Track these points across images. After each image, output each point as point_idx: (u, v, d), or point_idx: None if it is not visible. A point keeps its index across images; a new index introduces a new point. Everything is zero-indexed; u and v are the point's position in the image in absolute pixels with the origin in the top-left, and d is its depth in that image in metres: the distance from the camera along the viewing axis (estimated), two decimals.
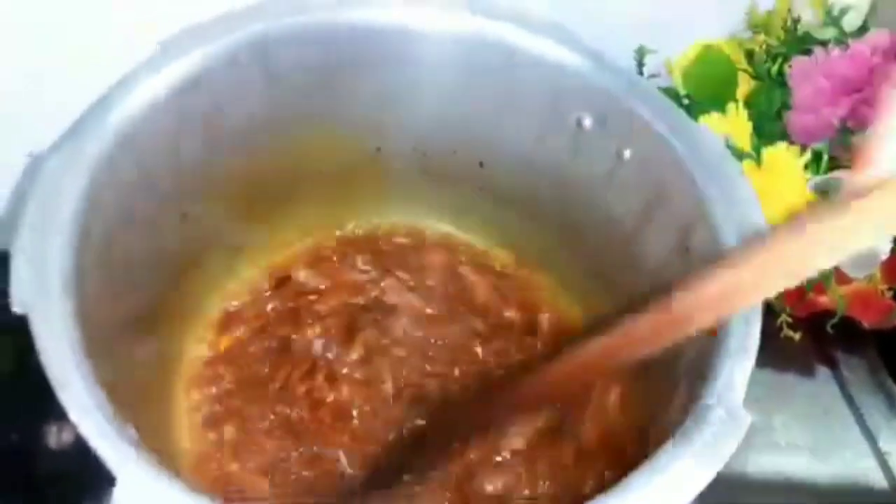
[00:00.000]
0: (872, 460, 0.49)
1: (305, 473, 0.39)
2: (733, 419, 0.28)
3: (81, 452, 0.26)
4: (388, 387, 0.43)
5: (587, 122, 0.41)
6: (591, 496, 0.26)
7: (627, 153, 0.40)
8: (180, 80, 0.38)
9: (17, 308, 0.28)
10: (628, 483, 0.27)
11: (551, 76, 0.41)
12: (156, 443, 0.35)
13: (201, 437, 0.40)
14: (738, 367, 0.30)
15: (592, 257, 0.45)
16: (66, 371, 0.27)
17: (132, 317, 0.36)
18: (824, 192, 0.46)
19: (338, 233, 0.49)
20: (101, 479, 0.25)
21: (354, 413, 0.42)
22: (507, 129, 0.45)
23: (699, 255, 0.36)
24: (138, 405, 0.34)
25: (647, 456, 0.28)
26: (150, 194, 0.38)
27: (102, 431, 0.26)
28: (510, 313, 0.47)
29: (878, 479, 0.48)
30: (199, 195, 0.42)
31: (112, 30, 0.43)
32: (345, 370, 0.43)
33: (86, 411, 0.26)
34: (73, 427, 0.26)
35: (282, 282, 0.47)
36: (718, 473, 0.27)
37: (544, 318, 0.47)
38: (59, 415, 0.27)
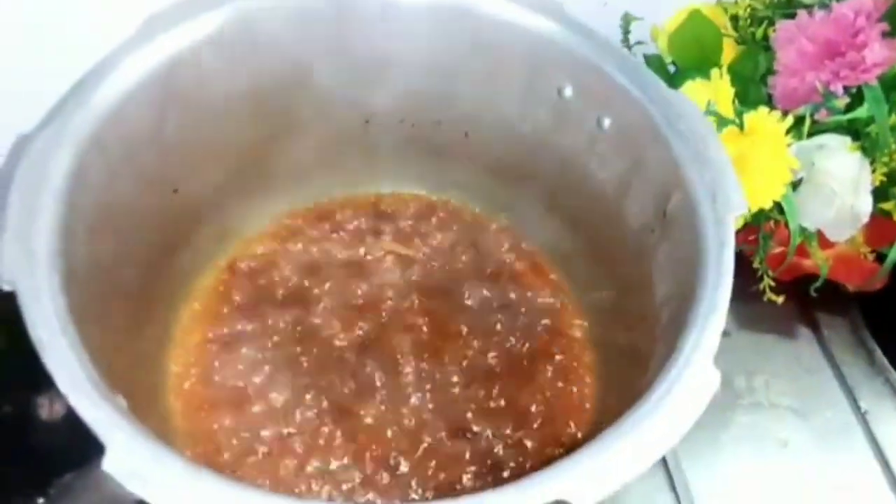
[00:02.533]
0: (853, 418, 0.49)
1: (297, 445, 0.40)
2: (703, 378, 0.29)
3: (73, 424, 0.27)
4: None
5: (567, 91, 0.41)
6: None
7: (607, 121, 0.40)
8: (165, 55, 0.38)
9: (4, 285, 0.28)
10: (601, 441, 0.28)
11: (532, 46, 0.41)
12: (148, 412, 0.36)
13: (193, 406, 0.41)
14: (707, 329, 0.30)
15: (576, 222, 0.46)
16: (53, 343, 0.28)
17: (122, 291, 0.37)
18: (807, 157, 0.47)
19: (329, 201, 0.50)
20: (92, 448, 0.26)
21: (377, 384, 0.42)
22: (490, 99, 0.45)
23: (675, 218, 0.36)
24: (130, 376, 0.35)
25: (621, 415, 0.29)
26: (137, 170, 0.39)
27: (91, 400, 0.27)
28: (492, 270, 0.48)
29: (859, 438, 0.49)
30: (188, 170, 0.42)
31: (105, 19, 0.43)
32: (342, 334, 0.44)
33: (74, 381, 0.27)
34: (65, 399, 0.27)
35: (273, 252, 0.48)
36: (703, 433, 0.28)
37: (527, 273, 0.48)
38: (51, 387, 0.27)
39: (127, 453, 0.26)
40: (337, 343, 0.44)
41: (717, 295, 0.31)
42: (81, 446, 0.26)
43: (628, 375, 0.36)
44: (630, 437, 0.27)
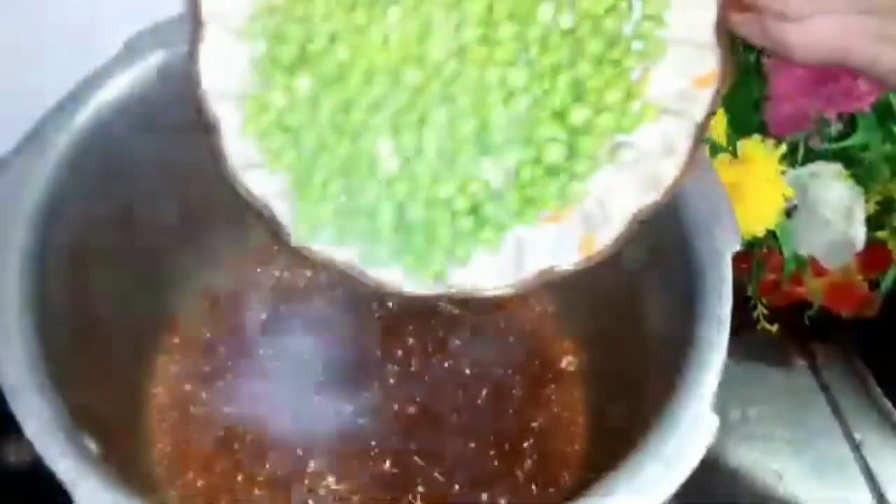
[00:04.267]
0: (847, 449, 0.49)
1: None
2: (700, 423, 0.28)
3: (42, 470, 0.26)
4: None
5: None
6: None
7: None
8: (145, 79, 0.37)
9: None
10: (599, 488, 0.27)
11: None
12: (124, 449, 0.35)
13: (171, 441, 0.40)
14: (704, 372, 0.29)
15: None
16: (22, 386, 0.27)
17: (98, 326, 0.36)
18: (801, 185, 0.46)
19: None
20: (61, 496, 0.25)
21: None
22: None
23: (668, 252, 0.35)
24: (106, 413, 0.34)
25: (619, 461, 0.28)
26: (116, 198, 0.37)
27: (60, 448, 0.26)
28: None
29: (853, 468, 0.48)
30: (170, 197, 0.41)
31: (84, 43, 0.42)
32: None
33: (42, 427, 0.26)
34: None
35: (255, 280, 0.47)
36: (697, 465, 0.27)
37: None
38: (18, 431, 0.26)
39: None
40: (319, 374, 0.43)
41: (716, 337, 0.30)
42: (50, 494, 0.25)
43: (622, 412, 0.35)
44: (628, 487, 0.26)
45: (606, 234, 0.29)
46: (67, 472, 0.25)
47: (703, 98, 0.29)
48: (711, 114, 0.30)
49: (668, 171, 0.29)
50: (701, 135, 0.29)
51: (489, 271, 0.29)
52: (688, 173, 0.29)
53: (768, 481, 0.47)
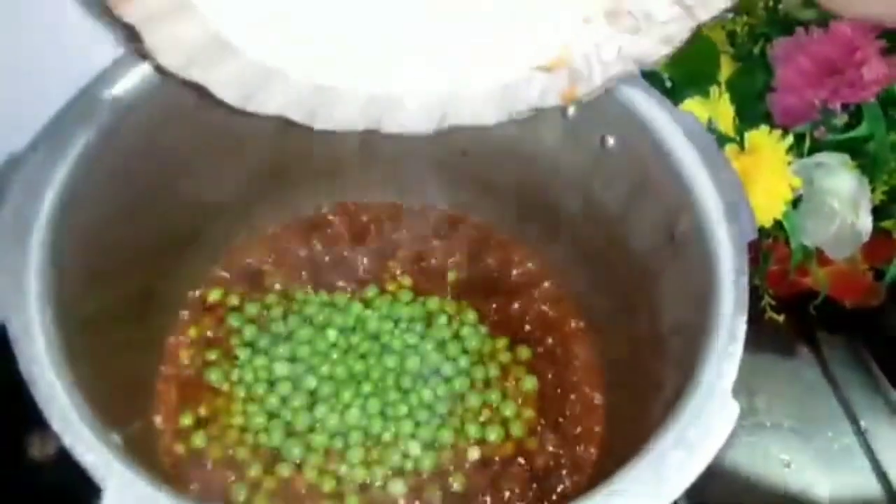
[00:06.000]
0: (853, 438, 0.49)
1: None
2: (722, 411, 0.28)
3: (67, 463, 0.26)
4: None
5: (571, 109, 0.40)
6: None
7: (611, 140, 0.39)
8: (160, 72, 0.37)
9: None
10: (620, 477, 0.27)
11: None
12: (142, 440, 0.35)
13: (185, 434, 0.40)
14: (725, 361, 0.30)
15: (579, 242, 0.45)
16: (46, 380, 0.26)
17: (115, 314, 0.36)
18: (807, 175, 0.47)
19: (328, 211, 0.49)
20: (86, 489, 0.25)
21: None
22: None
23: (685, 242, 0.36)
24: (124, 404, 0.34)
25: (637, 451, 0.28)
26: (133, 189, 0.37)
27: (86, 442, 0.26)
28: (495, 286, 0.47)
29: (859, 456, 0.49)
30: (187, 187, 0.41)
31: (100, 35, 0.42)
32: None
33: (68, 421, 0.26)
34: (57, 437, 0.26)
35: (270, 268, 0.47)
36: None
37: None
38: (41, 424, 0.26)
39: (125, 496, 0.25)
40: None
41: (735, 325, 0.30)
42: (75, 487, 0.25)
43: (640, 399, 0.35)
44: (649, 475, 0.27)
45: (586, 88, 0.34)
46: (97, 467, 0.25)
47: (715, 5, 0.32)
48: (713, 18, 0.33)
49: (657, 50, 0.33)
50: (695, 32, 0.33)
51: (486, 107, 0.35)
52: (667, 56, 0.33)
53: (775, 469, 0.48)
